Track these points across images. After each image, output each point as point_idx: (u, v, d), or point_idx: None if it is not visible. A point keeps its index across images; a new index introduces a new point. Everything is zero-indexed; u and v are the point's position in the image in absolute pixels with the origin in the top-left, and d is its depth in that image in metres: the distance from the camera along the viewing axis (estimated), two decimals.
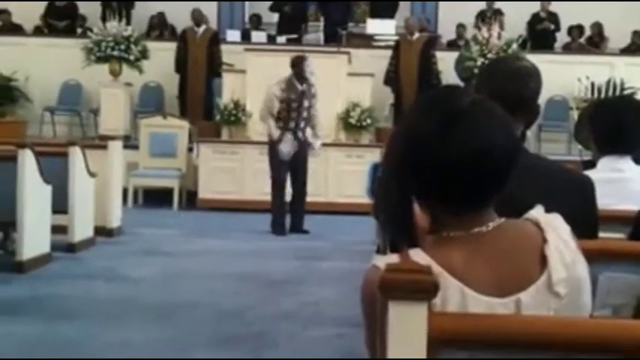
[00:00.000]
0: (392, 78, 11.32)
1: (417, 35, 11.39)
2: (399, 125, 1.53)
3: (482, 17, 12.03)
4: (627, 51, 12.58)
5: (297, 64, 8.34)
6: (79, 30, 12.84)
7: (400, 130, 1.50)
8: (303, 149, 8.35)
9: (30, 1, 12.63)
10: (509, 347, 1.28)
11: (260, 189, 8.66)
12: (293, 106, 8.27)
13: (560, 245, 1.43)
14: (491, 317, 1.34)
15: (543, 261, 1.42)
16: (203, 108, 11.47)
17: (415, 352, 1.26)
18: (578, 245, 1.47)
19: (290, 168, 8.32)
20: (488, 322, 1.31)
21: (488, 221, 1.44)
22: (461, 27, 12.66)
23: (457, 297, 1.37)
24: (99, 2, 12.66)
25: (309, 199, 8.71)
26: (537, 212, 1.50)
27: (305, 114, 8.32)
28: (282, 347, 4.57)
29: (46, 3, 12.92)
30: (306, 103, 8.32)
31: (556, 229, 1.45)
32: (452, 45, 12.60)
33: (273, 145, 8.29)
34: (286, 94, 8.25)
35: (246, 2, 13.97)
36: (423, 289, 1.26)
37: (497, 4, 12.51)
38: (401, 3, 13.29)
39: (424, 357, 1.27)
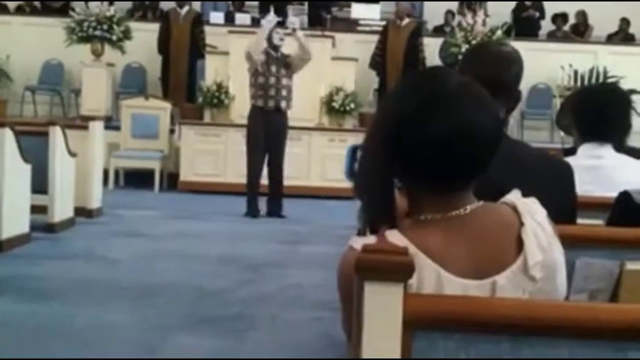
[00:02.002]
0: (378, 62, 11.31)
1: (405, 21, 11.37)
2: (382, 105, 1.52)
3: (466, 4, 12.03)
4: (614, 37, 12.62)
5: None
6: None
7: (384, 110, 1.50)
8: (280, 129, 8.25)
9: None
10: (484, 329, 1.29)
11: (242, 172, 8.62)
12: (272, 70, 8.19)
13: (537, 229, 1.44)
14: (467, 299, 1.34)
15: (519, 244, 1.42)
16: (186, 90, 11.41)
17: (390, 334, 1.26)
18: (554, 229, 1.48)
19: (267, 150, 8.27)
20: (464, 304, 1.31)
21: (467, 204, 1.45)
22: (449, 13, 12.65)
23: (433, 279, 1.38)
24: None
25: (291, 182, 8.70)
26: (514, 196, 1.51)
27: (283, 83, 8.25)
28: (261, 329, 4.57)
29: None
30: (282, 72, 8.26)
31: (533, 213, 1.46)
32: (438, 31, 12.60)
33: (250, 128, 8.25)
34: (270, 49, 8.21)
35: None
36: (398, 269, 1.26)
37: None
38: None
39: (399, 338, 1.26)
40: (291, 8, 9.57)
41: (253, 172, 8.26)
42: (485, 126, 1.42)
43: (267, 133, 8.18)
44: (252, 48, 8.16)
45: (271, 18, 8.27)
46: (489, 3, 12.17)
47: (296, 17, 8.22)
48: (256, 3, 13.05)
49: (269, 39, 8.25)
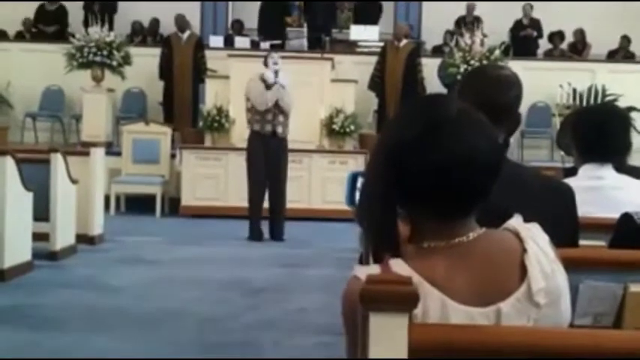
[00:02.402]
0: (377, 83, 11.34)
1: (404, 42, 11.42)
2: (384, 132, 1.53)
3: (462, 23, 12.09)
4: (614, 55, 12.66)
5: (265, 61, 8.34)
6: None
7: (385, 137, 1.50)
8: (277, 154, 8.26)
9: (17, 0, 12.55)
10: (490, 357, 1.28)
11: (243, 195, 8.63)
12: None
13: (540, 255, 1.44)
14: (472, 328, 1.34)
15: (523, 271, 1.42)
16: (191, 114, 11.43)
17: None
18: (557, 255, 1.47)
19: (267, 175, 8.28)
20: (469, 333, 1.31)
21: (469, 231, 1.45)
22: (448, 33, 12.72)
23: (438, 307, 1.38)
24: (81, 8, 12.60)
25: (292, 205, 8.70)
26: (516, 222, 1.50)
27: (280, 108, 8.27)
28: (266, 355, 4.56)
29: (36, 7, 12.83)
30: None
31: (535, 239, 1.46)
32: (437, 51, 12.65)
33: (250, 152, 8.26)
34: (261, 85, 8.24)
35: (230, 7, 13.95)
36: (403, 300, 1.26)
37: (478, 11, 12.57)
38: (384, 9, 13.33)
39: None
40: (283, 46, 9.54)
41: (255, 195, 8.27)
42: (486, 152, 1.43)
43: (267, 157, 8.20)
44: (256, 102, 8.18)
45: (271, 74, 8.27)
46: (487, 23, 12.24)
47: (285, 79, 8.30)
48: (255, 26, 13.12)
49: (265, 64, 8.28)
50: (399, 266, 1.40)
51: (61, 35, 12.38)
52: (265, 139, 8.22)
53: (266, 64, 8.34)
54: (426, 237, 1.45)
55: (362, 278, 1.33)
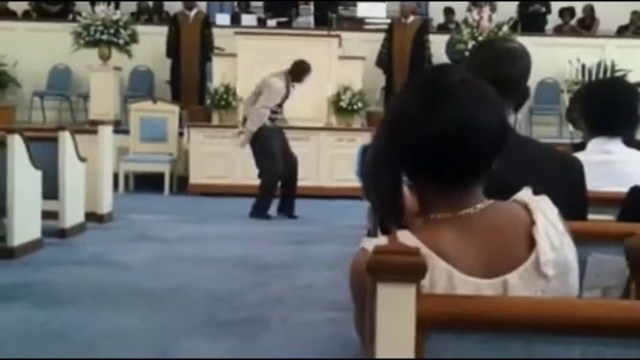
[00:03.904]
0: (384, 60, 11.30)
1: (411, 18, 11.36)
2: (389, 104, 1.52)
3: (472, 1, 12.00)
4: (625, 31, 12.56)
5: (300, 72, 8.29)
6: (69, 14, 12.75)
7: (390, 109, 1.50)
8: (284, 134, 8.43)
9: None
10: (497, 328, 1.28)
11: (251, 173, 8.64)
12: (284, 102, 8.35)
13: (549, 228, 1.43)
14: (480, 299, 1.34)
15: (531, 243, 1.42)
16: (198, 92, 11.42)
17: (403, 334, 1.26)
18: (566, 227, 1.47)
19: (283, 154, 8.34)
20: (477, 303, 1.31)
21: (476, 203, 1.44)
22: (449, 11, 12.64)
23: (445, 278, 1.37)
24: None
25: (300, 183, 8.70)
26: (525, 194, 1.50)
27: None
28: (273, 331, 4.58)
29: None
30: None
31: (544, 211, 1.45)
32: (441, 28, 12.57)
33: (267, 133, 8.25)
34: (286, 90, 8.26)
35: None
36: (411, 270, 1.26)
37: None
38: None
39: (412, 338, 1.27)
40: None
41: (276, 177, 8.34)
42: (488, 123, 1.41)
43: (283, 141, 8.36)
44: (266, 105, 8.22)
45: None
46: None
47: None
48: (261, 3, 13.05)
49: (295, 79, 8.34)
50: (406, 237, 1.40)
51: (65, 14, 12.35)
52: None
53: (300, 79, 8.32)
54: (432, 208, 1.45)
55: (369, 250, 1.33)
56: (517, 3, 12.63)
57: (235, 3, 13.50)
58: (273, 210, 8.38)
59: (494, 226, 1.43)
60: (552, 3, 12.74)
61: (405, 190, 1.51)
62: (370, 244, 1.38)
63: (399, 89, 1.56)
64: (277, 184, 8.38)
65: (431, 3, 13.46)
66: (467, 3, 12.23)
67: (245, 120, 8.36)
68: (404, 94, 1.48)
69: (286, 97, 8.33)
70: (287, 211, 8.40)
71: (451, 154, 1.40)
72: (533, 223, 1.43)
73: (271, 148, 8.24)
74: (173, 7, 12.33)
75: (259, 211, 8.30)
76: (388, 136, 1.46)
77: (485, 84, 1.47)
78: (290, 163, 8.38)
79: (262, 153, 8.28)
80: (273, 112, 8.27)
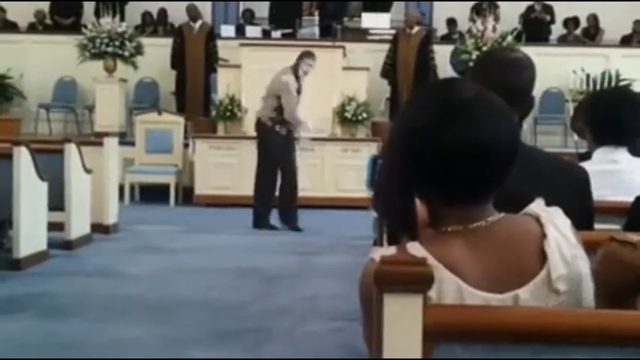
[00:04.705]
0: (389, 70, 11.31)
1: (415, 29, 11.38)
2: (399, 117, 1.50)
3: (477, 10, 12.02)
4: (628, 40, 12.56)
5: (299, 62, 8.27)
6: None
7: (400, 122, 1.48)
8: (293, 144, 8.36)
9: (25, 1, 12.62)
10: (505, 339, 1.28)
11: None
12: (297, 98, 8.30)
13: (560, 241, 1.41)
14: (487, 309, 1.33)
15: (543, 257, 1.40)
16: (203, 104, 11.44)
17: (411, 345, 1.26)
18: (579, 240, 1.45)
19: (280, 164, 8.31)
20: (484, 314, 1.30)
21: (487, 216, 1.43)
22: (451, 22, 12.65)
23: (453, 292, 1.36)
24: None
25: (305, 193, 8.70)
26: (537, 206, 1.48)
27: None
28: (279, 342, 4.57)
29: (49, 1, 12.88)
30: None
31: (556, 223, 1.43)
32: (445, 39, 12.59)
33: (271, 137, 8.24)
34: (297, 85, 8.25)
35: None
36: (417, 280, 1.26)
37: None
38: None
39: (419, 349, 1.26)
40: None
41: (271, 184, 8.31)
42: (502, 137, 1.40)
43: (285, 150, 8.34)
44: (288, 107, 8.21)
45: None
46: (499, 9, 12.16)
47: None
48: (266, 15, 13.10)
49: (296, 68, 8.28)
50: (415, 249, 1.39)
51: (77, 27, 12.41)
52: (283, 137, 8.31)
53: (297, 68, 8.27)
54: (443, 221, 1.43)
55: (377, 260, 1.33)
56: (520, 13, 12.63)
57: (240, 14, 13.54)
58: (279, 221, 8.37)
59: (506, 239, 1.41)
60: (556, 13, 12.74)
61: (416, 200, 1.50)
62: (379, 254, 1.37)
63: (404, 100, 1.55)
64: (271, 193, 8.30)
65: (434, 14, 13.48)
66: (469, 14, 12.26)
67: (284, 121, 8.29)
68: (414, 107, 1.47)
69: (299, 91, 8.27)
70: (290, 224, 8.35)
71: (465, 170, 1.38)
72: (544, 236, 1.41)
73: (272, 156, 8.22)
74: (178, 19, 12.37)
75: (259, 221, 8.29)
76: (400, 150, 1.44)
77: (497, 97, 1.45)
78: (289, 172, 8.32)
79: (262, 159, 8.27)
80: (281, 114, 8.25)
